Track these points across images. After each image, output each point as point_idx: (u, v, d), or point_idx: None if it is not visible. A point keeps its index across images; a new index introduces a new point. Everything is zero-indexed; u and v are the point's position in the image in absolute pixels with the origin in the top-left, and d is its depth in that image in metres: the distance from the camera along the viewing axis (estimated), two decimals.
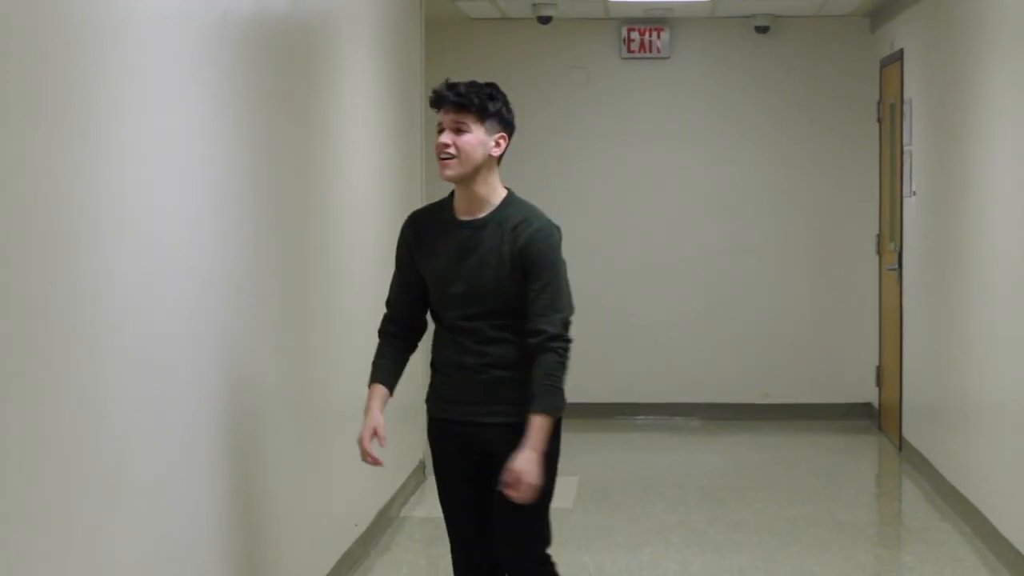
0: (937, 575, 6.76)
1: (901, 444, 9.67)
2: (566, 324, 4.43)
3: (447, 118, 4.26)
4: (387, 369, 4.44)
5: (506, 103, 4.41)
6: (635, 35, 11.12)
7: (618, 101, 11.18)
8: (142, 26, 3.80)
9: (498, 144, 4.35)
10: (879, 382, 10.75)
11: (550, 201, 11.15)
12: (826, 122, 11.07)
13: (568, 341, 4.44)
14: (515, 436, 4.29)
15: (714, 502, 8.32)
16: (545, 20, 10.75)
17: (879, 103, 10.76)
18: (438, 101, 4.26)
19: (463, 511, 4.46)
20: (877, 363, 10.81)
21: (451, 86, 4.28)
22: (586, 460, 9.65)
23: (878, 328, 10.78)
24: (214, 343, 4.35)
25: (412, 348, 4.53)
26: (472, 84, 4.31)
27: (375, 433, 4.31)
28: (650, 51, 11.14)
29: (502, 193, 4.37)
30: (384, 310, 4.49)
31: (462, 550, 4.48)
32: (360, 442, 4.32)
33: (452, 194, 4.38)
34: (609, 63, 11.20)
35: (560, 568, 6.82)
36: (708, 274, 11.17)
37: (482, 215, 4.32)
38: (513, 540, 4.44)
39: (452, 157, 4.24)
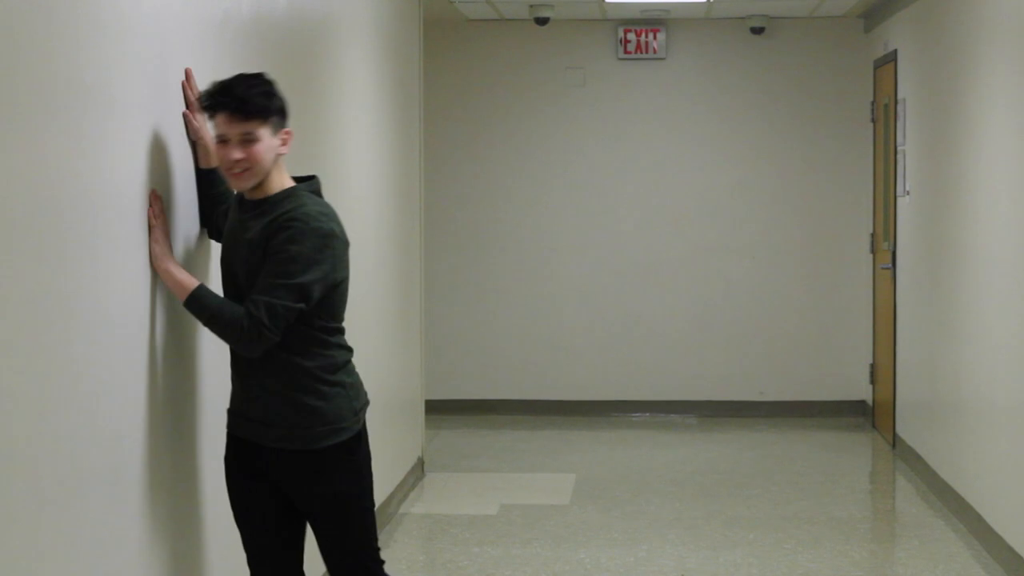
0: (930, 571, 6.76)
1: (895, 441, 9.68)
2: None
3: (231, 129, 3.80)
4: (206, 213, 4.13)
5: (278, 93, 3.93)
6: (631, 36, 11.12)
7: (615, 101, 11.18)
8: (144, 28, 3.80)
9: (284, 142, 3.90)
10: (873, 380, 10.75)
11: (547, 202, 11.18)
12: (820, 122, 11.08)
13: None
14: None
15: (710, 499, 8.32)
16: (542, 21, 10.75)
17: (873, 103, 10.76)
18: (214, 107, 3.82)
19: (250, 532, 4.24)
20: (871, 361, 10.81)
21: (224, 89, 3.82)
22: (583, 457, 9.65)
23: (872, 326, 10.78)
24: (214, 339, 4.34)
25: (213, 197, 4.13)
26: (244, 81, 3.86)
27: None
28: (646, 52, 11.14)
29: (287, 184, 3.92)
30: None
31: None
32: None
33: None
34: (606, 64, 11.20)
35: (557, 564, 6.85)
36: (704, 273, 11.17)
37: (261, 197, 3.90)
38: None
39: (246, 169, 3.83)
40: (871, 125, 10.83)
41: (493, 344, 11.18)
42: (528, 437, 10.42)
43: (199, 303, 3.77)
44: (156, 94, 3.87)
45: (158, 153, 3.86)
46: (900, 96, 9.60)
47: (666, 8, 10.60)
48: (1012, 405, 6.66)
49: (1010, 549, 6.55)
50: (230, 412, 4.04)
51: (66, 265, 3.21)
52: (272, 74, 5.20)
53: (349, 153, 6.72)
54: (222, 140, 3.84)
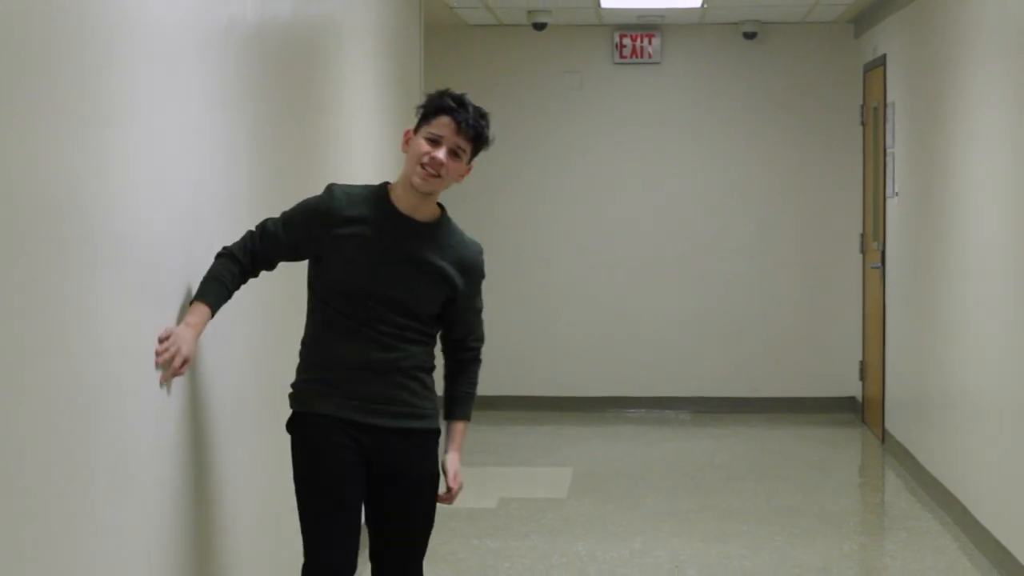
0: (918, 563, 6.77)
1: (884, 436, 9.68)
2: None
3: (450, 136, 3.92)
4: (224, 294, 3.92)
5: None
6: (627, 41, 11.13)
7: (611, 105, 11.19)
8: (151, 32, 3.80)
9: (463, 175, 4.02)
10: (863, 376, 10.76)
11: (545, 202, 11.19)
12: (812, 125, 11.09)
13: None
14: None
15: (703, 492, 8.33)
16: (540, 26, 10.76)
17: (863, 107, 10.77)
18: (448, 111, 3.93)
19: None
20: (861, 358, 10.82)
21: (461, 101, 3.96)
22: (579, 452, 9.65)
23: (862, 324, 10.79)
24: (218, 336, 4.34)
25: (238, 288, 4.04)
26: (481, 113, 3.97)
27: (184, 360, 3.67)
28: (642, 56, 11.15)
29: (438, 210, 4.07)
30: (246, 232, 4.07)
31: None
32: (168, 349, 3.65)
33: (384, 186, 4.06)
34: (602, 68, 11.20)
35: (555, 557, 6.85)
36: (698, 272, 11.18)
37: (428, 220, 4.01)
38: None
39: (437, 176, 3.92)
40: (861, 128, 10.83)
41: (492, 341, 11.12)
42: (526, 432, 10.43)
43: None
44: (162, 98, 3.88)
45: (162, 157, 3.86)
46: (889, 100, 9.61)
47: (661, 14, 10.61)
48: (999, 401, 6.68)
49: (996, 542, 6.56)
50: (341, 397, 3.96)
51: (70, 266, 3.19)
52: (276, 78, 5.22)
53: (351, 155, 6.72)
54: (433, 139, 3.94)
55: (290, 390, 4.06)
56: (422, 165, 3.91)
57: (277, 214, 4.72)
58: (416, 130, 4.01)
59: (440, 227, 4.02)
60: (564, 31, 11.10)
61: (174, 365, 3.63)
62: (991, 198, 6.87)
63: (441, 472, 4.13)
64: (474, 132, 3.93)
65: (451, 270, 4.00)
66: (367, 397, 3.95)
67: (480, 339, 4.21)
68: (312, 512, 3.96)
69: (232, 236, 4.14)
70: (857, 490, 9.06)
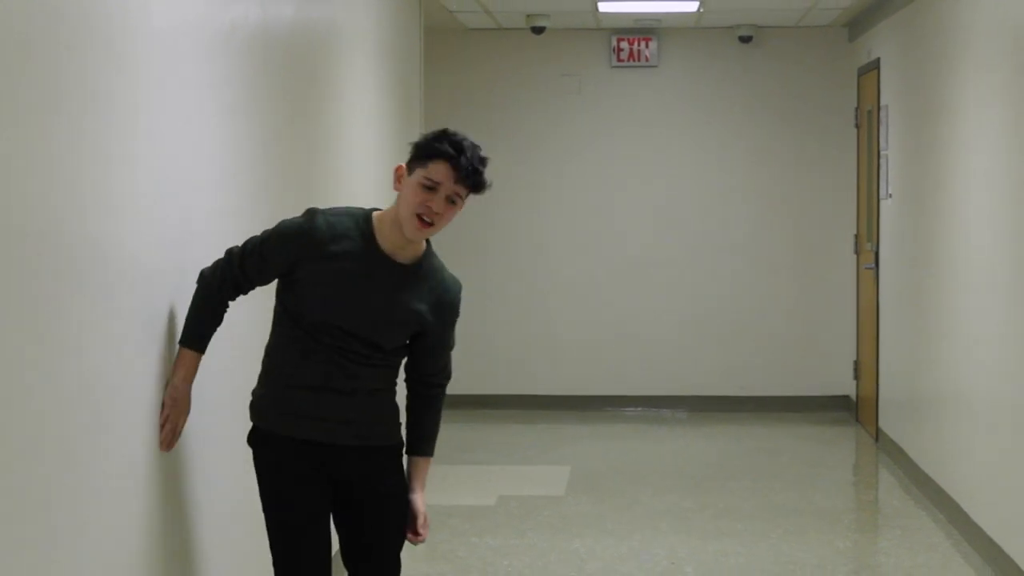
0: (912, 560, 6.77)
1: (878, 435, 9.68)
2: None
3: (448, 184, 3.72)
4: (210, 333, 3.82)
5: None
6: (624, 44, 11.12)
7: (608, 107, 11.18)
8: (156, 36, 3.80)
9: (459, 210, 3.85)
10: (857, 376, 10.75)
11: (543, 203, 11.18)
12: (806, 127, 11.08)
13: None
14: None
15: (700, 490, 8.32)
16: (538, 30, 10.75)
17: (857, 109, 10.77)
18: (449, 159, 3.72)
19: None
20: (855, 357, 10.81)
21: (460, 147, 3.74)
22: (577, 450, 9.65)
23: (856, 324, 10.79)
24: (226, 333, 4.33)
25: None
26: (478, 151, 3.78)
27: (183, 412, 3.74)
28: (639, 60, 11.14)
29: (422, 247, 3.91)
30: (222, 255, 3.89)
31: None
32: (175, 411, 3.72)
33: (369, 219, 3.85)
34: (600, 71, 11.20)
35: (553, 554, 6.85)
36: (694, 273, 11.18)
37: (409, 262, 3.84)
38: None
39: (431, 225, 3.74)
40: (855, 130, 10.83)
41: (491, 341, 11.18)
42: (525, 431, 10.42)
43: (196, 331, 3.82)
44: (165, 100, 3.87)
45: (164, 159, 3.85)
46: (883, 102, 9.60)
47: (658, 18, 10.61)
48: (991, 400, 6.67)
49: (988, 539, 6.55)
50: (303, 417, 3.85)
51: (76, 267, 3.19)
52: (278, 81, 5.22)
53: (352, 157, 6.72)
54: (429, 186, 3.73)
55: (250, 398, 3.95)
56: (418, 216, 3.73)
57: (279, 208, 4.69)
58: (410, 169, 3.77)
59: (422, 267, 3.87)
60: (562, 35, 11.09)
61: (175, 438, 3.74)
62: (983, 200, 6.87)
63: (410, 512, 3.97)
64: (473, 182, 3.74)
65: (427, 312, 3.89)
66: (329, 417, 3.83)
67: (447, 376, 4.09)
68: (280, 526, 3.86)
69: (235, 238, 4.12)
70: (851, 488, 9.05)
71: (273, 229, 3.86)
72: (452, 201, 3.76)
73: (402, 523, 3.97)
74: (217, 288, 3.83)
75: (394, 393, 4.00)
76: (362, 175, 6.97)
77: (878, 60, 9.79)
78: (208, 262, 4.02)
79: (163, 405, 3.71)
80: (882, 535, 7.57)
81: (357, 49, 6.91)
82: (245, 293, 3.90)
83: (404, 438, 4.01)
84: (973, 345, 7.02)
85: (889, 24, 9.44)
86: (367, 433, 3.90)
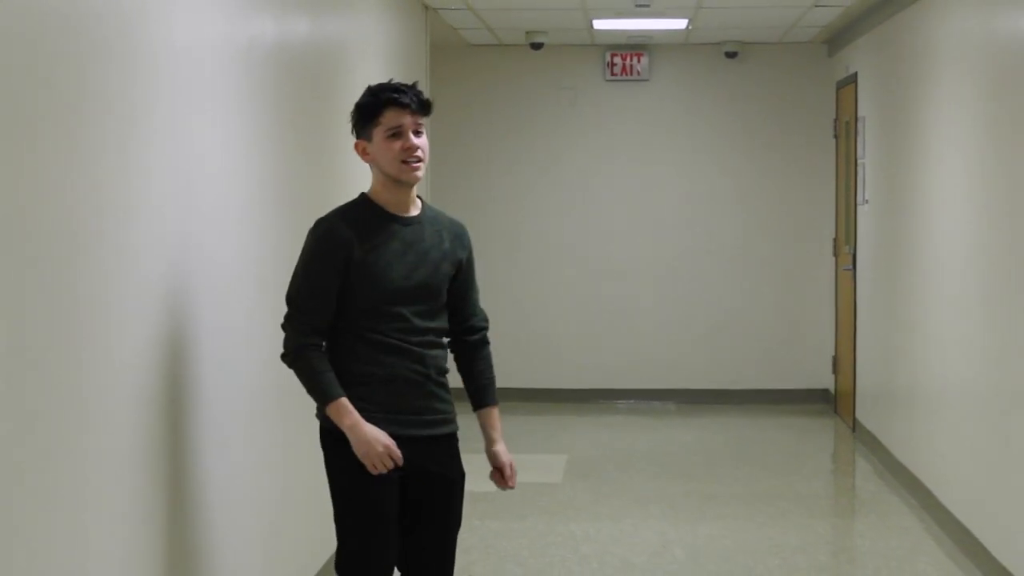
0: (886, 542, 6.77)
1: (855, 425, 9.68)
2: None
3: (409, 120, 3.70)
4: (336, 381, 3.67)
5: None
6: (618, 60, 11.12)
7: (603, 119, 11.18)
8: (178, 53, 3.80)
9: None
10: (835, 370, 10.75)
11: (542, 208, 11.18)
12: (788, 138, 11.08)
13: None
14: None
15: (688, 477, 8.33)
16: (537, 46, 10.76)
17: (835, 121, 10.77)
18: (395, 102, 3.70)
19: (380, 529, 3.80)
20: (833, 353, 10.81)
21: (409, 88, 3.76)
22: (573, 440, 9.65)
23: (834, 322, 10.79)
24: (241, 333, 4.34)
25: None
26: (413, 85, 3.80)
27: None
28: (631, 74, 11.14)
29: (418, 199, 3.87)
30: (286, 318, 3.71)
31: None
32: (382, 453, 3.66)
33: (363, 196, 3.80)
34: (595, 85, 11.20)
35: (551, 536, 6.85)
36: (683, 274, 11.18)
37: (416, 212, 3.80)
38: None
39: (420, 160, 3.72)
40: (834, 140, 10.83)
41: (493, 338, 11.14)
42: (524, 422, 10.42)
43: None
44: (185, 112, 3.87)
45: (186, 168, 3.84)
46: (860, 114, 9.60)
47: (648, 35, 10.61)
48: (960, 392, 6.67)
49: (958, 522, 6.55)
50: (394, 412, 3.76)
51: (86, 269, 3.13)
52: (293, 94, 5.22)
53: (362, 167, 6.71)
54: (395, 133, 3.69)
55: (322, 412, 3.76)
56: (404, 161, 3.70)
57: (295, 214, 4.62)
58: (367, 136, 3.74)
59: (427, 214, 3.82)
60: (559, 51, 11.09)
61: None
62: (953, 205, 6.87)
63: (496, 464, 4.01)
64: (422, 104, 3.74)
65: (453, 247, 3.84)
66: (403, 409, 3.74)
67: (485, 319, 3.99)
68: (365, 526, 3.72)
69: (252, 243, 4.10)
70: (830, 475, 9.06)
71: (303, 262, 3.70)
72: (418, 132, 3.74)
73: (461, 511, 3.96)
74: (306, 348, 3.63)
75: (447, 380, 3.90)
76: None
77: (855, 75, 9.79)
78: (225, 266, 3.98)
79: (386, 458, 3.67)
80: (858, 519, 7.57)
81: (368, 63, 6.92)
82: (326, 334, 3.69)
83: (470, 398, 3.96)
84: (944, 342, 7.02)
85: (866, 41, 9.44)
86: (437, 422, 3.86)
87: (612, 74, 11.15)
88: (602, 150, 11.17)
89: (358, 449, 3.63)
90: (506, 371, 11.14)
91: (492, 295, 11.29)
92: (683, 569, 6.27)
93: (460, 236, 3.89)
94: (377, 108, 3.71)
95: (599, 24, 9.98)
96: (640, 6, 8.96)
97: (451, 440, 3.93)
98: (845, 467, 9.22)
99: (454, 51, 10.95)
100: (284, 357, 3.68)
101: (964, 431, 6.59)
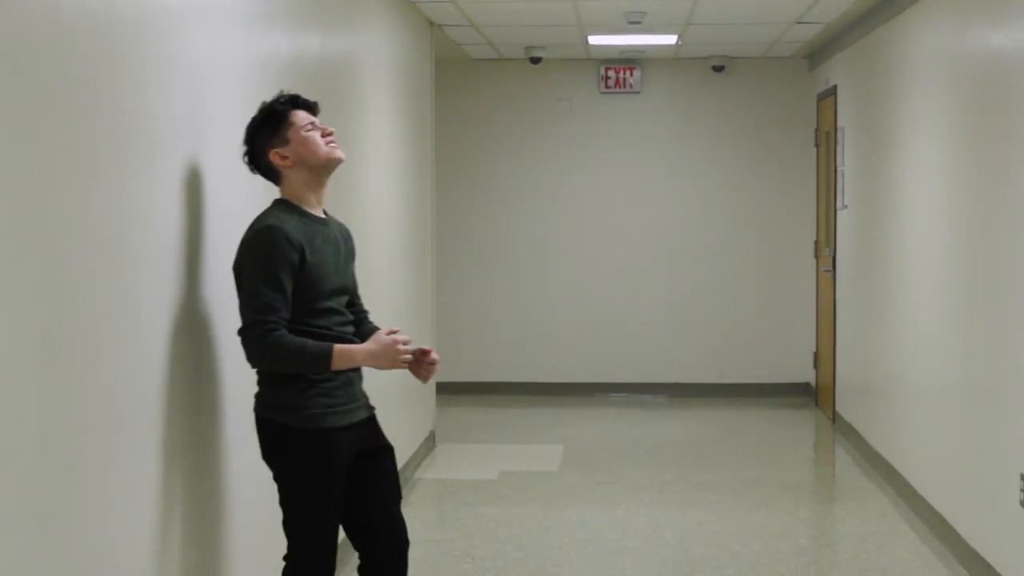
0: (864, 527, 6.78)
1: (835, 417, 9.69)
2: None
3: (311, 117, 3.77)
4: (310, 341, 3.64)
5: None
6: (611, 73, 11.13)
7: (597, 129, 11.19)
8: (198, 68, 3.81)
9: None
10: (816, 365, 10.76)
11: (541, 213, 11.19)
12: (772, 146, 11.09)
13: None
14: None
15: (678, 466, 8.33)
16: (536, 60, 10.77)
17: (816, 131, 10.77)
18: (297, 105, 3.76)
19: (337, 517, 3.78)
20: (814, 349, 10.82)
21: (298, 96, 3.80)
22: (569, 431, 9.65)
23: (815, 319, 10.79)
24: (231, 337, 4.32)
25: None
26: (296, 94, 3.84)
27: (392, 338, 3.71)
28: (624, 87, 11.15)
29: None
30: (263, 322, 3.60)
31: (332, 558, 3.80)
32: (391, 348, 3.67)
33: (281, 202, 3.73)
34: (589, 97, 11.21)
35: (548, 522, 6.86)
36: (673, 274, 11.18)
37: (323, 214, 3.83)
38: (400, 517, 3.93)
39: (335, 142, 3.79)
40: (815, 149, 10.84)
41: (494, 335, 11.20)
42: (523, 414, 10.43)
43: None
44: (203, 125, 3.87)
45: (204, 179, 3.83)
46: (839, 125, 9.61)
47: (640, 49, 10.62)
48: (934, 385, 6.69)
49: (931, 508, 6.57)
50: (351, 405, 3.75)
51: (97, 272, 3.10)
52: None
53: (372, 174, 6.73)
54: (310, 128, 3.74)
55: (282, 405, 3.66)
56: (329, 146, 3.76)
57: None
58: (282, 142, 3.72)
59: (327, 214, 3.86)
60: (556, 64, 11.10)
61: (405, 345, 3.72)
62: (927, 209, 6.89)
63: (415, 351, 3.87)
64: (315, 107, 3.82)
65: (349, 245, 3.91)
66: (354, 396, 3.78)
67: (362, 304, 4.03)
68: (325, 524, 3.71)
69: None
70: (811, 464, 9.06)
71: (263, 269, 3.59)
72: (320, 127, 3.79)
73: (397, 475, 3.93)
74: (275, 334, 3.56)
75: None
76: (380, 187, 6.98)
77: (835, 87, 9.80)
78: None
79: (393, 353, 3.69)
80: (838, 505, 7.58)
81: (376, 78, 6.93)
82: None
83: (363, 338, 3.83)
84: (918, 338, 7.03)
85: (845, 56, 9.45)
86: (368, 402, 3.88)
87: (606, 87, 11.16)
88: (597, 157, 11.18)
89: (381, 362, 3.68)
90: (507, 366, 11.21)
91: (494, 295, 11.33)
92: (673, 552, 6.28)
93: (349, 235, 3.96)
94: (284, 113, 3.74)
95: (594, 40, 9.99)
96: (632, 23, 8.97)
97: (375, 416, 3.94)
98: (825, 456, 9.22)
99: (458, 65, 10.96)
100: (259, 360, 3.60)
101: (937, 422, 6.60)
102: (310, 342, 3.60)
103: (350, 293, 3.88)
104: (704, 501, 7.32)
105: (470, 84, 11.15)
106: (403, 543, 3.89)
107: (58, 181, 2.86)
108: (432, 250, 8.93)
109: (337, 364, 3.63)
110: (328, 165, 3.80)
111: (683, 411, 10.53)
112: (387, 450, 3.91)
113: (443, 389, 9.98)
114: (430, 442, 8.62)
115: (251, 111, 4.05)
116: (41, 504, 2.77)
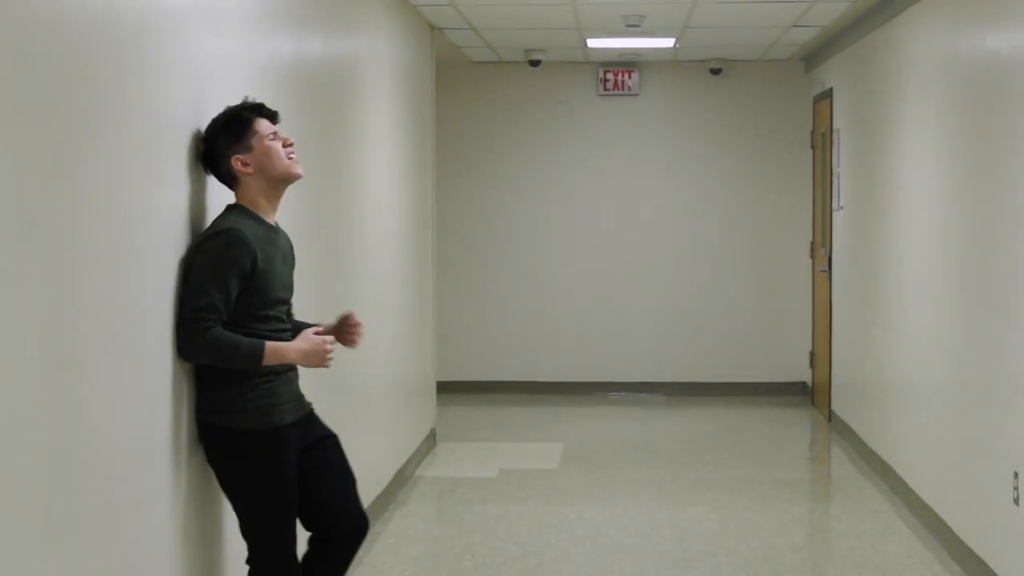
0: (859, 524, 6.78)
1: (830, 416, 9.69)
2: None
3: (273, 127, 3.75)
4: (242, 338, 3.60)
5: None
6: (610, 76, 11.13)
7: (596, 131, 11.19)
8: (201, 71, 3.81)
9: None
10: (812, 364, 10.76)
11: (540, 214, 11.19)
12: (769, 148, 11.09)
13: None
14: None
15: (675, 464, 8.33)
16: (535, 63, 10.76)
17: (812, 133, 10.77)
18: (260, 114, 3.73)
19: (295, 512, 3.80)
20: (810, 348, 10.82)
21: (261, 105, 3.77)
22: (569, 429, 9.65)
23: (811, 319, 10.79)
24: None
25: None
26: (259, 102, 3.80)
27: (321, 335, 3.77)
28: (622, 89, 11.15)
29: None
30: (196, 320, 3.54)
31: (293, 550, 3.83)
32: (320, 348, 3.71)
33: (237, 207, 3.71)
34: (588, 99, 11.21)
35: (548, 519, 6.86)
36: (671, 275, 11.18)
37: (274, 220, 3.84)
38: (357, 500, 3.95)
39: (294, 156, 3.78)
40: (811, 151, 10.84)
41: (494, 335, 11.19)
42: (523, 412, 10.43)
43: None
44: (205, 127, 3.87)
45: (201, 180, 3.82)
46: (835, 127, 9.61)
47: (638, 52, 10.62)
48: (928, 385, 6.69)
49: (925, 505, 6.57)
50: (293, 402, 3.79)
51: (100, 272, 3.10)
52: (308, 109, 5.23)
53: (373, 175, 6.73)
54: (272, 138, 3.72)
55: (227, 408, 3.64)
56: (290, 159, 3.74)
57: (312, 220, 4.60)
58: (244, 149, 3.68)
59: (276, 224, 3.84)
60: (556, 67, 11.10)
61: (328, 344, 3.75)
62: (921, 210, 6.89)
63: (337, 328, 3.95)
64: (276, 115, 3.79)
65: (292, 253, 3.91)
66: (295, 396, 3.81)
67: None
68: (285, 523, 3.73)
69: None
70: (807, 462, 9.06)
71: (212, 270, 3.55)
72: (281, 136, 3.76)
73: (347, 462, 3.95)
74: (209, 332, 3.52)
75: None
76: (381, 189, 6.98)
77: (831, 89, 9.80)
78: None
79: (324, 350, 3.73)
80: (834, 503, 7.58)
81: (377, 80, 6.93)
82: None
83: (296, 332, 3.81)
84: (912, 337, 7.03)
85: (840, 58, 9.45)
86: (305, 398, 3.91)
87: (605, 89, 11.16)
88: (595, 159, 11.18)
89: (310, 360, 3.69)
90: (507, 365, 11.21)
91: (493, 295, 11.33)
92: (671, 549, 6.28)
93: (292, 245, 3.94)
94: (249, 120, 3.71)
95: (592, 43, 9.99)
96: (631, 26, 8.97)
97: (314, 411, 3.95)
98: (821, 454, 9.22)
99: (458, 68, 10.96)
100: (191, 354, 3.54)
101: (931, 421, 6.60)
102: (244, 339, 3.57)
103: (290, 297, 3.87)
104: (701, 499, 7.32)
105: (470, 86, 11.15)
106: (365, 526, 3.92)
107: (58, 181, 2.86)
108: (432, 250, 8.93)
109: (269, 360, 3.62)
110: (287, 180, 3.78)
111: (681, 410, 10.53)
112: (332, 438, 3.94)
113: (443, 388, 9.98)
114: (431, 440, 8.62)
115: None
116: (47, 505, 2.76)
